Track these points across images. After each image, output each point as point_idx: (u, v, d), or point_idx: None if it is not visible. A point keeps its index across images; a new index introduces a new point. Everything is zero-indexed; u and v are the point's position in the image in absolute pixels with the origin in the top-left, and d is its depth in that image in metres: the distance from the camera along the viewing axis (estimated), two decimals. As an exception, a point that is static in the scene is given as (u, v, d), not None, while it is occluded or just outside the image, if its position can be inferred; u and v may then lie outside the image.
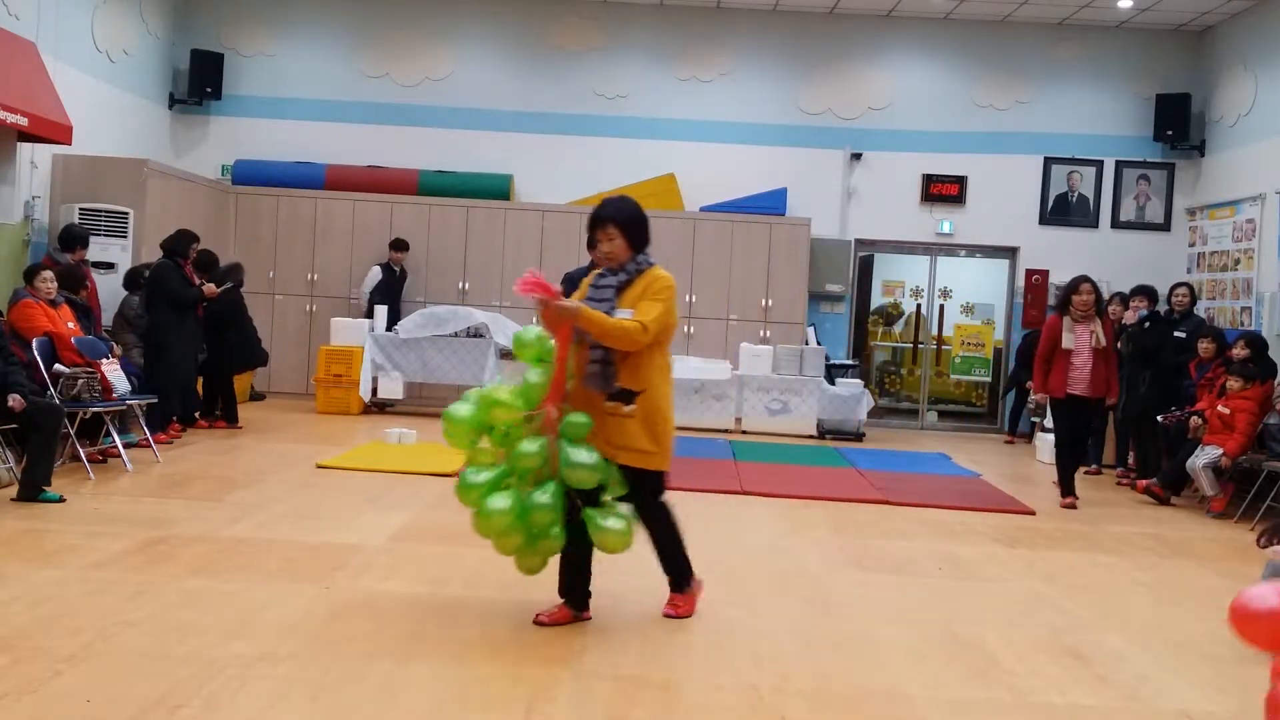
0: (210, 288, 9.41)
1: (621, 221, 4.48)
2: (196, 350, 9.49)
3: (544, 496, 4.27)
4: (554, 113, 13.20)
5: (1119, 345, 9.14)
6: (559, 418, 4.29)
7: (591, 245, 4.59)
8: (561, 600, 4.61)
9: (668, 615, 4.70)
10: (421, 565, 5.41)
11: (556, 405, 4.31)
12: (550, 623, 4.51)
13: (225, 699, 3.53)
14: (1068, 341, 8.15)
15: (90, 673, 3.69)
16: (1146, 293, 10.00)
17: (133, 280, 9.55)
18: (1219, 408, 8.40)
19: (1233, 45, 12.27)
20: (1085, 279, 8.27)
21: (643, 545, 4.60)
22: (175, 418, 9.22)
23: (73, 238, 9.17)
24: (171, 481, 7.34)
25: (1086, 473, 9.76)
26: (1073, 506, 8.20)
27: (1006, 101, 13.17)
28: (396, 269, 12.28)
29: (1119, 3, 12.18)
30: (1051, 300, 13.04)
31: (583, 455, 4.25)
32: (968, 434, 13.22)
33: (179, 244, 9.28)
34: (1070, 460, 8.40)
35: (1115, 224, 13.16)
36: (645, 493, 4.54)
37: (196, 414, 9.78)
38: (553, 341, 4.42)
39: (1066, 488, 8.33)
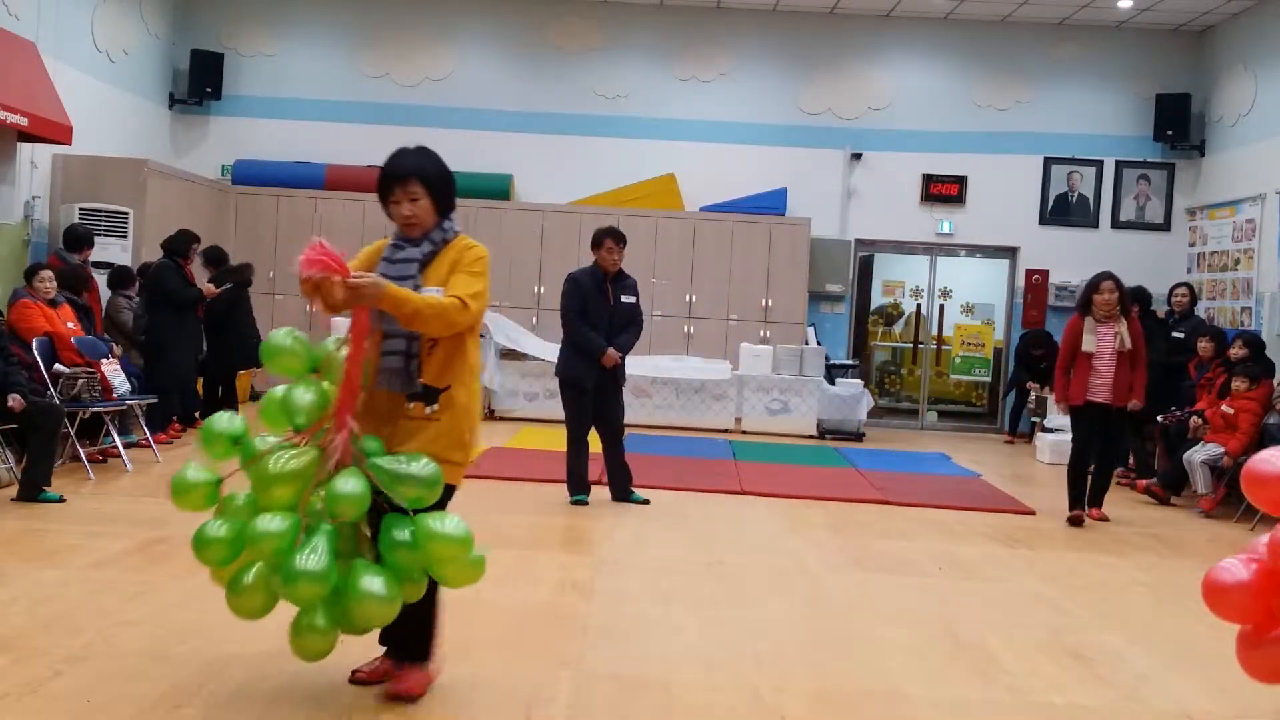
0: (209, 288, 9.42)
1: (429, 177, 3.55)
2: (197, 350, 9.49)
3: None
4: (554, 113, 13.20)
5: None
6: (356, 438, 3.36)
7: (386, 204, 3.60)
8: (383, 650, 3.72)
9: (395, 696, 3.54)
10: (421, 565, 5.40)
11: (351, 420, 3.36)
12: (368, 680, 3.67)
13: (225, 699, 3.53)
14: (1088, 344, 7.45)
15: (90, 673, 3.69)
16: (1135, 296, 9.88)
17: (118, 279, 9.48)
18: (1223, 408, 8.39)
19: (1233, 45, 12.27)
20: (1107, 276, 7.58)
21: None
22: (175, 418, 9.22)
23: (78, 239, 9.19)
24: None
25: (1120, 481, 9.05)
26: (1079, 522, 7.57)
27: (1006, 101, 13.17)
28: None
29: (1119, 3, 12.18)
30: (1052, 299, 13.06)
31: (416, 466, 3.33)
32: (968, 434, 13.21)
33: (179, 244, 9.29)
34: (1101, 478, 7.72)
35: (1115, 224, 13.16)
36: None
37: (196, 414, 9.78)
38: (331, 341, 3.57)
39: (1075, 498, 7.65)
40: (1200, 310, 11.28)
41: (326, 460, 3.32)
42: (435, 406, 3.48)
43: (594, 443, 7.20)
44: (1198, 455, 8.31)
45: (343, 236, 12.88)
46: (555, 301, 7.48)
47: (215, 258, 9.92)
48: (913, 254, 13.75)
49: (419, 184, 3.53)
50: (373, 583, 3.25)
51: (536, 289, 12.62)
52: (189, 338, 9.23)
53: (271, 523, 3.26)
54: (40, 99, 9.53)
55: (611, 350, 7.06)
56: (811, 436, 11.56)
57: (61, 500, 6.42)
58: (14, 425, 6.64)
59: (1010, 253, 13.39)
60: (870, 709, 3.82)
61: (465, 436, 3.54)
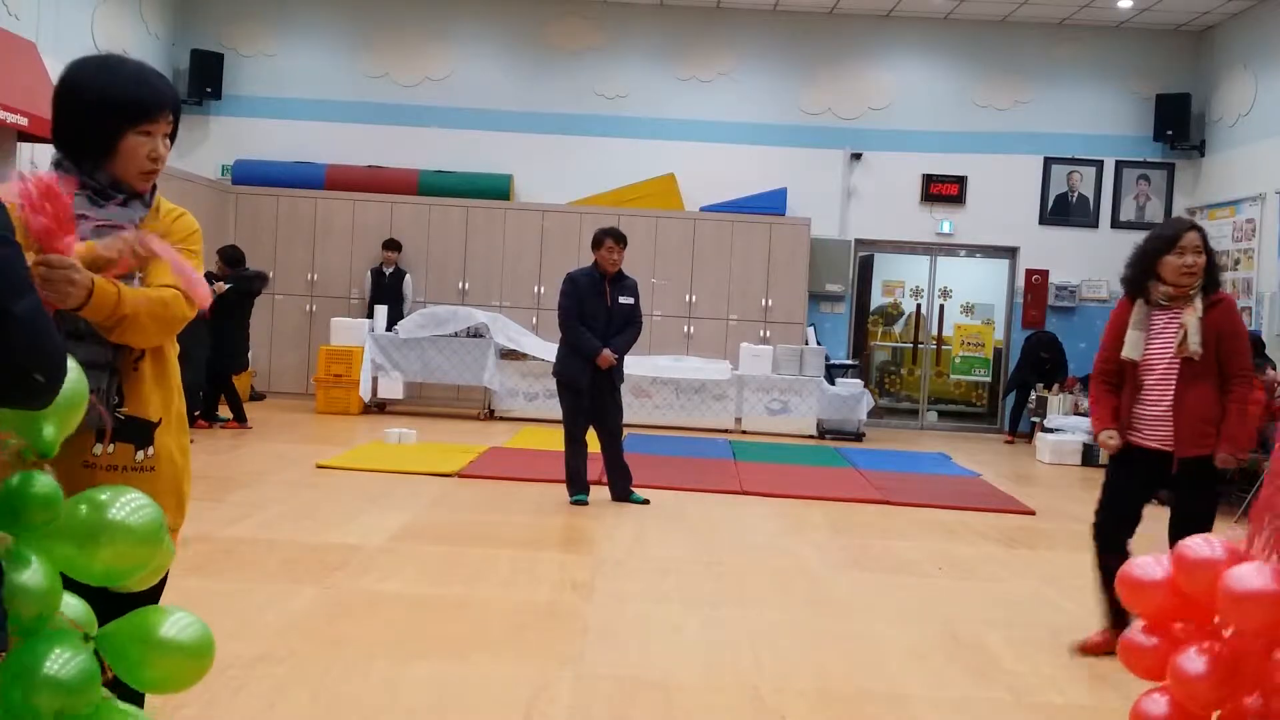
0: (219, 285, 9.46)
1: (179, 112, 2.41)
2: (201, 352, 9.49)
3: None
4: (554, 113, 13.20)
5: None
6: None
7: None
8: None
9: None
10: (421, 565, 5.41)
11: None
12: None
13: (225, 699, 3.53)
14: (1131, 347, 4.43)
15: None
16: None
17: None
18: None
19: (1233, 45, 12.27)
20: (1189, 225, 4.44)
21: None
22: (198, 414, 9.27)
23: None
24: (171, 481, 7.32)
25: None
26: (1107, 650, 4.26)
27: (1006, 101, 13.17)
28: (388, 270, 12.29)
29: (1119, 3, 12.18)
30: (1052, 299, 13.03)
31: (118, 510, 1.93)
32: (968, 434, 13.21)
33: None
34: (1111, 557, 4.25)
35: (1115, 224, 13.15)
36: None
37: (196, 413, 9.78)
38: None
39: (1114, 617, 4.41)
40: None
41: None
42: (150, 450, 2.32)
43: (593, 442, 7.21)
44: None
45: (341, 236, 13.00)
46: (555, 301, 7.48)
47: (232, 258, 9.99)
48: (913, 254, 13.75)
49: (173, 119, 2.38)
50: None
51: (536, 289, 12.62)
52: (191, 339, 9.22)
53: None
54: (40, 99, 9.52)
55: (606, 351, 7.04)
56: (811, 436, 11.56)
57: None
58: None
59: (1010, 253, 13.40)
60: (870, 709, 3.82)
61: (185, 488, 2.43)
